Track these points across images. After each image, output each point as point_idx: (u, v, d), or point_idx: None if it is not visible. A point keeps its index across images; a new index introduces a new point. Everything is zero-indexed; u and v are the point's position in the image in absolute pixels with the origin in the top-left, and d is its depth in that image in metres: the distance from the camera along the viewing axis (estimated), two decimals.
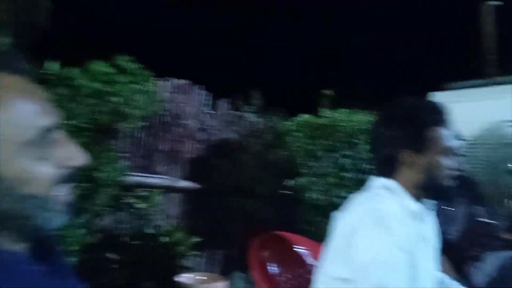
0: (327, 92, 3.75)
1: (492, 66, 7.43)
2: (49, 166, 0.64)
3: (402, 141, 1.27)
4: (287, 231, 1.89)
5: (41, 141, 0.63)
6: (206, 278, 0.69)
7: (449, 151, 1.30)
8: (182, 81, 3.28)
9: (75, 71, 2.61)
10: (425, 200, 1.33)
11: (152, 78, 2.90)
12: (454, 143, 1.32)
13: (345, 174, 3.06)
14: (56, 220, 0.65)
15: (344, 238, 1.23)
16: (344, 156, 3.13)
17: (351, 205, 1.29)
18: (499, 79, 4.78)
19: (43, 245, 0.69)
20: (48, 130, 0.64)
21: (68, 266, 0.78)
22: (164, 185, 2.99)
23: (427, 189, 1.29)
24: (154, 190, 2.64)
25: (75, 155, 0.66)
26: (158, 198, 2.56)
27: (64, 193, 0.66)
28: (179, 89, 3.25)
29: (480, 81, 4.78)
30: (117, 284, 2.28)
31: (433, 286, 1.34)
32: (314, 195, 3.14)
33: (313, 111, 3.69)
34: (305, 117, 3.45)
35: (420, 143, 1.27)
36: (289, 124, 3.55)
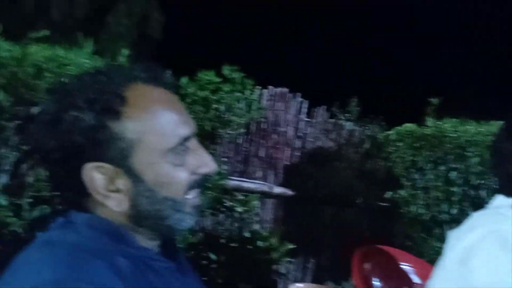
0: (433, 100, 3.53)
1: None
2: (184, 172, 0.69)
3: None
4: (385, 245, 1.81)
5: (180, 148, 0.68)
6: None
7: None
8: (280, 89, 3.34)
9: (183, 80, 2.80)
10: None
11: (253, 86, 3.00)
12: None
13: (451, 188, 2.85)
14: (187, 222, 0.70)
15: (460, 259, 1.15)
16: (451, 169, 2.91)
17: (470, 224, 1.20)
18: None
19: (170, 244, 0.75)
20: (186, 139, 0.69)
21: (188, 264, 0.84)
22: (260, 190, 3.06)
23: None
24: (252, 194, 2.72)
25: (206, 163, 0.71)
26: (255, 202, 2.63)
27: (195, 197, 0.71)
28: (277, 96, 3.32)
29: None
30: (215, 283, 2.38)
31: None
32: (416, 209, 2.96)
33: (415, 120, 3.50)
34: (408, 126, 3.29)
35: None
36: (389, 133, 3.41)
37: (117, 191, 0.66)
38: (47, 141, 0.64)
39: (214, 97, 2.86)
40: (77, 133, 0.63)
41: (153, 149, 0.66)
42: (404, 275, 1.52)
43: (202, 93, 2.84)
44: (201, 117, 2.84)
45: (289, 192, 3.23)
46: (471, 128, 3.01)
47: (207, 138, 2.91)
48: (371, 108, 4.54)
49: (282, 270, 2.85)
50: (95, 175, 0.65)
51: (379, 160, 3.62)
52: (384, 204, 3.44)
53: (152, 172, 0.66)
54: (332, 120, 3.61)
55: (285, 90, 3.36)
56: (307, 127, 3.42)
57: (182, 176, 0.68)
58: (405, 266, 1.57)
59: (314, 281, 3.24)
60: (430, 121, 3.37)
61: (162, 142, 0.66)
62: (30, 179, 1.52)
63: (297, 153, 3.36)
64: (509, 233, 1.08)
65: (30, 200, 1.49)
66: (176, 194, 0.68)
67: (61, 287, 0.56)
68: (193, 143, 0.70)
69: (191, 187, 0.69)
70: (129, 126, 0.65)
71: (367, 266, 1.46)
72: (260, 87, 3.22)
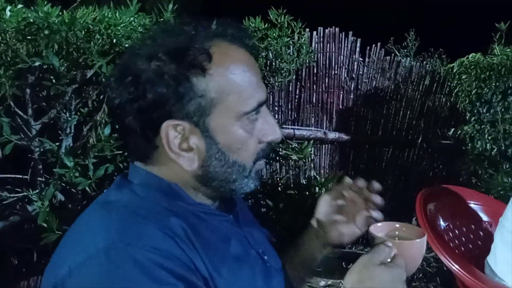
0: (500, 25, 3.21)
1: None
2: (254, 140, 0.68)
3: None
4: (450, 184, 1.74)
5: (254, 114, 0.67)
6: (399, 228, 0.66)
7: None
8: (331, 30, 3.18)
9: None
10: None
11: (302, 29, 2.88)
12: None
13: None
14: (250, 186, 0.71)
15: None
16: None
17: None
18: None
19: (230, 201, 0.77)
20: (261, 104, 0.68)
21: (249, 213, 0.86)
22: (315, 136, 3.02)
23: None
24: (306, 142, 2.68)
25: (273, 130, 0.70)
26: (310, 149, 2.60)
27: (260, 163, 0.71)
28: (328, 38, 3.17)
29: None
30: (275, 229, 2.43)
31: None
32: (481, 145, 2.79)
33: (480, 49, 3.22)
34: (473, 56, 3.03)
35: None
36: (452, 66, 3.18)
37: (190, 149, 0.66)
38: (127, 93, 0.64)
39: (262, 45, 2.79)
40: (159, 85, 0.63)
41: (231, 110, 0.65)
42: (471, 213, 1.46)
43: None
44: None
45: (344, 136, 3.16)
46: None
47: None
48: (430, 41, 4.22)
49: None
50: (172, 132, 0.65)
51: (441, 96, 3.42)
52: (448, 142, 3.28)
53: (226, 135, 0.65)
54: (388, 58, 3.41)
55: (336, 30, 3.19)
56: (361, 67, 3.27)
57: (252, 143, 0.68)
58: (472, 204, 1.50)
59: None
60: (497, 49, 3.09)
61: (240, 105, 0.65)
62: (92, 140, 1.60)
63: (352, 96, 3.24)
64: None
65: (95, 160, 1.57)
66: (245, 160, 0.68)
67: (113, 253, 0.57)
68: (264, 110, 0.69)
69: (258, 156, 0.69)
70: (212, 84, 0.64)
71: (431, 206, 1.41)
72: (309, 30, 3.08)
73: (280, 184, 2.66)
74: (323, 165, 3.16)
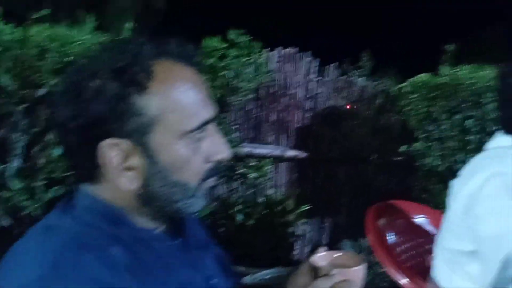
0: (447, 47, 3.41)
1: None
2: (199, 159, 0.67)
3: None
4: (402, 199, 1.81)
5: (198, 132, 0.66)
6: (341, 256, 0.68)
7: None
8: (289, 50, 3.27)
9: None
10: None
11: (261, 49, 2.94)
12: None
13: (467, 137, 2.79)
14: (196, 206, 0.69)
15: (462, 207, 1.14)
16: (467, 117, 2.85)
17: (471, 169, 1.17)
18: None
19: (178, 221, 0.74)
20: (207, 122, 0.67)
21: (204, 235, 0.83)
22: (273, 154, 3.06)
23: None
24: (264, 160, 2.72)
25: (221, 149, 0.69)
26: (268, 167, 2.64)
27: (208, 183, 0.69)
28: (286, 58, 3.25)
29: None
30: (233, 249, 2.43)
31: None
32: (431, 161, 2.93)
33: (429, 70, 3.40)
34: (422, 76, 3.20)
35: None
36: (403, 85, 3.34)
37: (131, 169, 0.64)
38: (68, 110, 0.63)
39: (221, 64, 2.83)
40: (99, 103, 0.61)
41: (173, 129, 0.64)
42: (418, 227, 1.52)
43: (208, 61, 2.80)
44: (209, 86, 2.82)
45: (302, 154, 3.22)
46: (488, 73, 2.90)
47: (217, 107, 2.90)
48: (384, 61, 4.41)
49: (299, 231, 2.88)
50: (111, 151, 0.63)
51: (393, 114, 3.56)
52: (400, 158, 3.41)
53: (168, 153, 0.64)
54: (344, 77, 3.54)
55: (294, 50, 3.28)
56: (318, 86, 3.37)
57: (197, 162, 0.66)
58: (419, 219, 1.57)
59: (331, 240, 3.29)
60: (445, 70, 3.27)
61: (183, 123, 0.64)
62: (42, 161, 1.55)
63: (309, 114, 3.32)
64: (510, 175, 1.05)
65: (44, 182, 1.53)
66: (189, 180, 0.66)
67: (46, 285, 0.55)
68: (212, 128, 0.68)
69: (206, 176, 0.68)
70: (153, 102, 0.63)
71: (381, 222, 1.46)
72: (268, 49, 3.16)
73: (238, 203, 2.67)
74: (282, 182, 3.20)
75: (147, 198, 0.66)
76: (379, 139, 3.49)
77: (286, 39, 3.41)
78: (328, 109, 3.39)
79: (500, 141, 1.22)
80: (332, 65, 3.49)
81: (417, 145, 3.10)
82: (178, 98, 0.64)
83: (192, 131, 0.65)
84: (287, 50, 3.24)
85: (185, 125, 0.64)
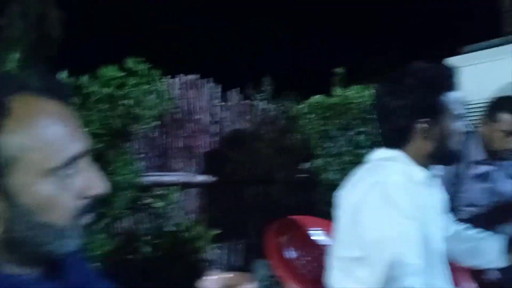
0: (338, 70, 3.70)
1: (509, 24, 7.15)
2: (70, 196, 0.63)
3: (417, 109, 1.23)
4: (307, 214, 1.89)
5: (66, 169, 0.62)
6: (230, 278, 0.69)
7: (460, 116, 1.27)
8: (190, 76, 3.30)
9: (84, 79, 2.66)
10: (432, 167, 1.31)
11: (161, 76, 2.94)
12: (463, 108, 1.30)
13: (360, 151, 3.04)
14: (69, 246, 0.65)
15: (349, 216, 1.23)
16: (359, 133, 3.10)
17: (354, 180, 1.28)
18: None
19: (57, 265, 0.70)
20: (75, 158, 0.64)
21: (88, 277, 0.78)
22: (181, 181, 3.04)
23: (438, 156, 1.27)
24: (172, 187, 2.69)
25: (95, 184, 0.66)
26: (176, 195, 2.60)
27: (81, 220, 0.66)
28: (188, 84, 3.27)
29: (495, 41, 4.61)
30: (143, 284, 2.34)
31: (444, 249, 1.33)
32: (330, 176, 3.13)
33: (325, 91, 3.66)
34: (317, 98, 3.43)
35: (435, 110, 1.24)
36: (301, 107, 3.54)
37: None
38: None
39: (121, 93, 2.76)
40: None
41: (35, 168, 0.59)
42: (315, 240, 1.61)
43: (106, 90, 2.72)
44: (109, 115, 2.73)
45: (211, 178, 3.24)
46: (373, 92, 3.20)
47: (117, 136, 2.81)
48: (284, 84, 4.65)
49: (211, 257, 2.87)
50: None
51: (294, 134, 3.75)
52: (303, 175, 3.59)
53: (31, 194, 0.60)
54: (247, 102, 3.65)
55: (196, 76, 3.32)
56: (222, 111, 3.43)
57: (67, 200, 0.63)
58: (317, 231, 1.66)
59: (245, 261, 3.32)
60: (337, 91, 3.54)
61: (44, 161, 0.60)
62: None
63: (215, 139, 3.37)
64: (389, 185, 1.17)
65: None
66: (58, 220, 0.62)
67: None
68: (84, 162, 0.65)
69: (80, 212, 0.65)
70: (8, 141, 0.58)
71: (281, 239, 1.52)
72: (169, 77, 3.16)
73: (146, 234, 2.59)
74: (191, 209, 3.17)
75: (13, 244, 0.62)
76: (283, 159, 3.64)
77: (186, 66, 3.44)
78: (233, 132, 3.47)
79: (379, 153, 1.35)
80: (234, 90, 3.59)
81: (317, 162, 3.30)
82: (39, 135, 0.61)
83: (57, 168, 0.62)
84: (189, 77, 3.27)
85: (49, 163, 0.61)
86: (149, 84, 2.88)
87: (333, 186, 3.25)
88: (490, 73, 3.80)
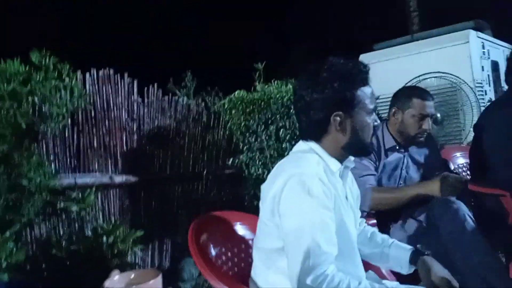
0: (258, 65, 3.75)
1: (414, 23, 7.74)
2: None
3: (332, 103, 1.27)
4: (234, 209, 1.88)
5: None
6: (135, 276, 0.67)
7: (372, 110, 1.33)
8: (106, 71, 3.12)
9: None
10: (346, 158, 1.37)
11: (72, 71, 2.75)
12: (374, 102, 1.36)
13: (282, 145, 3.10)
14: None
15: (269, 208, 1.25)
16: (280, 127, 3.16)
17: (274, 172, 1.30)
18: (420, 34, 5.00)
19: None
20: None
21: None
22: (100, 182, 2.87)
23: (352, 148, 1.33)
24: (88, 189, 2.53)
25: None
26: (93, 197, 2.45)
27: None
28: (104, 80, 3.10)
29: (403, 39, 4.97)
30: None
31: (356, 240, 1.40)
32: (255, 170, 3.16)
33: (247, 86, 3.68)
34: (239, 93, 3.44)
35: (349, 104, 1.28)
36: (224, 102, 3.53)
37: None
38: None
39: (26, 89, 2.54)
40: None
41: None
42: (238, 234, 1.60)
43: (9, 86, 2.49)
44: (14, 114, 2.50)
45: (132, 178, 3.10)
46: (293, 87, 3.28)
47: (25, 136, 2.58)
48: (207, 80, 4.61)
49: (135, 259, 2.76)
50: None
51: (218, 130, 3.73)
52: (229, 171, 3.59)
53: None
54: (168, 97, 3.55)
55: (111, 71, 3.15)
56: (141, 108, 3.30)
57: None
58: (241, 225, 1.65)
59: (173, 260, 3.24)
60: (259, 86, 3.58)
61: None
62: None
63: (136, 136, 3.23)
64: (305, 176, 1.20)
65: None
66: None
67: None
68: None
69: None
70: None
71: (203, 235, 1.49)
72: (80, 72, 2.96)
73: (62, 240, 2.41)
74: (112, 211, 3.02)
75: None
76: (207, 155, 3.61)
77: (100, 60, 3.25)
78: (154, 129, 3.36)
79: (299, 146, 1.38)
80: (155, 85, 3.46)
81: (242, 157, 3.31)
82: None
83: None
84: (104, 71, 3.10)
85: None
86: (58, 80, 2.68)
87: (258, 180, 3.32)
88: (398, 69, 4.10)
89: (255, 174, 3.22)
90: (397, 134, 2.22)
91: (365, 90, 1.30)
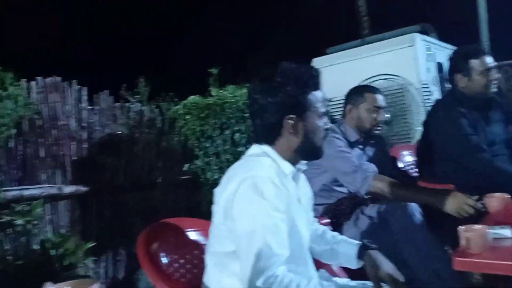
0: (212, 70, 3.73)
1: (365, 27, 7.99)
2: None
3: (285, 106, 1.29)
4: (190, 216, 1.85)
5: None
6: (75, 283, 0.65)
7: (323, 114, 1.36)
8: (52, 79, 3.00)
9: None
10: (299, 162, 1.39)
11: (15, 80, 2.63)
12: (327, 105, 1.39)
13: (238, 149, 3.10)
14: None
15: (224, 212, 1.24)
16: (235, 131, 3.16)
17: (228, 176, 1.30)
18: (370, 38, 5.16)
19: None
20: None
21: None
22: (48, 194, 2.75)
23: (304, 151, 1.35)
24: (35, 202, 2.41)
25: None
26: (41, 209, 2.35)
27: None
28: (50, 87, 2.98)
29: (354, 42, 5.11)
30: None
31: (309, 242, 1.42)
32: (211, 175, 3.14)
33: (202, 92, 3.65)
34: (193, 98, 3.41)
35: (302, 107, 1.31)
36: (178, 108, 3.48)
37: None
38: None
39: None
40: None
41: None
42: (191, 241, 1.58)
43: None
44: None
45: (83, 188, 3.00)
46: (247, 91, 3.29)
47: None
48: (160, 85, 4.53)
49: (87, 271, 2.65)
50: None
51: (173, 136, 3.68)
52: (185, 177, 3.54)
53: None
54: (120, 104, 3.46)
55: (58, 79, 3.03)
56: (91, 115, 3.19)
57: None
58: (194, 231, 1.63)
59: (128, 271, 3.16)
60: (214, 91, 3.56)
61: None
62: None
63: (86, 145, 3.12)
64: (258, 179, 1.20)
65: None
66: None
67: None
68: None
69: None
70: None
71: (154, 243, 1.46)
72: (25, 80, 2.84)
73: (7, 255, 2.29)
74: (62, 223, 2.89)
75: None
76: (163, 162, 3.55)
77: (46, 68, 3.12)
78: (106, 137, 3.26)
79: (252, 150, 1.39)
80: (105, 92, 3.37)
81: (198, 162, 3.28)
82: None
83: None
84: (50, 79, 2.98)
85: None
86: (1, 89, 2.55)
87: (215, 185, 3.27)
88: (349, 72, 4.21)
89: (211, 179, 3.20)
90: (355, 130, 2.31)
91: (317, 94, 1.33)
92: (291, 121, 1.30)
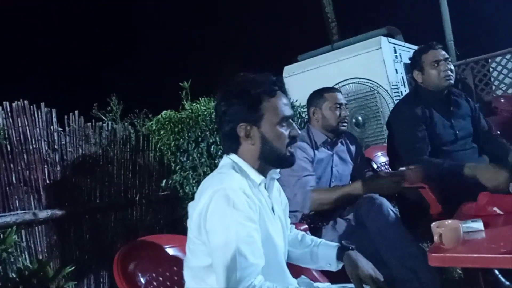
0: (185, 84, 3.72)
1: (334, 33, 8.12)
2: None
3: (239, 115, 1.31)
4: (173, 231, 1.84)
5: None
6: None
7: (285, 120, 1.36)
8: (20, 103, 2.93)
9: None
10: (270, 170, 1.39)
11: None
12: (289, 111, 1.40)
13: (215, 161, 3.09)
14: None
15: (197, 226, 1.24)
16: (211, 143, 3.15)
17: (200, 190, 1.29)
18: (339, 43, 5.25)
19: None
20: None
21: None
22: (23, 220, 2.68)
23: (268, 158, 1.35)
24: (8, 229, 2.35)
25: None
26: (15, 236, 2.28)
27: None
28: (18, 112, 2.91)
29: (324, 48, 5.20)
30: None
31: (286, 249, 1.42)
32: (189, 189, 3.12)
33: (175, 106, 3.64)
34: (166, 113, 3.39)
35: (255, 115, 1.32)
36: (151, 124, 3.46)
37: None
38: None
39: None
40: None
41: None
42: (170, 257, 1.56)
43: None
44: None
45: (59, 212, 2.93)
46: None
47: None
48: (135, 103, 4.49)
49: None
50: None
51: (149, 152, 3.64)
52: (164, 193, 3.50)
53: None
54: (91, 124, 3.41)
55: (25, 102, 2.97)
56: (62, 137, 3.13)
57: None
58: (171, 248, 1.62)
59: None
60: (187, 104, 3.55)
61: None
62: None
63: (58, 168, 3.06)
64: (229, 190, 1.21)
65: None
66: None
67: None
68: None
69: None
70: None
71: (130, 264, 1.44)
72: None
73: None
74: (39, 249, 2.82)
75: None
76: (140, 179, 3.51)
77: (12, 93, 3.05)
78: (79, 158, 3.20)
79: (223, 160, 1.39)
80: (75, 112, 3.31)
81: (176, 177, 3.25)
82: None
83: None
84: (17, 103, 2.91)
85: None
86: None
87: (193, 199, 3.27)
88: (320, 77, 4.27)
89: (190, 193, 3.18)
90: (322, 131, 2.35)
91: (273, 101, 1.34)
92: (243, 129, 1.31)
